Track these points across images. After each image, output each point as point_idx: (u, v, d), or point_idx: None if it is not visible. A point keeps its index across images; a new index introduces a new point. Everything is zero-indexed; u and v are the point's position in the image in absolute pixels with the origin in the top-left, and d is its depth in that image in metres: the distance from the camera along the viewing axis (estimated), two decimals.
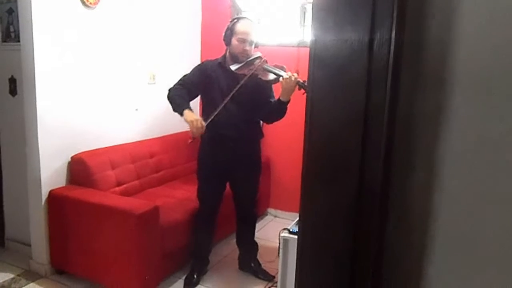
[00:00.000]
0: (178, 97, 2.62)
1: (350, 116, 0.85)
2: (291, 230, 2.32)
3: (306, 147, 0.91)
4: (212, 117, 2.52)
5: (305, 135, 0.91)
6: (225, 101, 2.54)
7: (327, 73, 0.88)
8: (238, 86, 2.52)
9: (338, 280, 0.91)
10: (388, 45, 0.80)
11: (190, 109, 2.56)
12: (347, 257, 0.89)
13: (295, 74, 2.45)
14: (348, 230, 0.88)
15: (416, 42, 0.82)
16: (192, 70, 2.75)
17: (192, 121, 2.48)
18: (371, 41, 0.81)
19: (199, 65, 2.83)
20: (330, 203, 0.90)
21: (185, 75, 2.72)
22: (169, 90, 2.67)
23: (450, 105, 0.80)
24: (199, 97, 2.86)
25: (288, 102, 2.52)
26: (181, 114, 2.55)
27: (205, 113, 2.70)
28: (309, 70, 0.89)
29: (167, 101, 2.65)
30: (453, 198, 0.82)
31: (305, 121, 0.90)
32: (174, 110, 2.62)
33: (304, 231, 0.96)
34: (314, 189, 0.92)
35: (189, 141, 2.55)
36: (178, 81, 2.70)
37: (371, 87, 0.81)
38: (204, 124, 2.50)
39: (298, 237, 0.97)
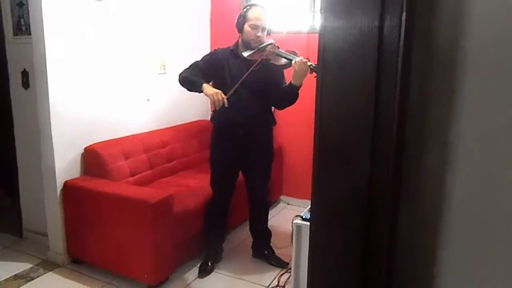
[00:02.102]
0: (193, 76, 2.61)
1: (361, 101, 0.84)
2: (304, 217, 2.32)
3: (316, 132, 0.90)
4: (233, 90, 2.50)
5: (315, 120, 0.90)
6: (241, 79, 2.51)
7: (337, 58, 0.86)
8: (249, 70, 2.50)
9: (351, 266, 0.91)
10: (399, 28, 0.78)
11: (207, 83, 2.55)
12: (359, 242, 0.89)
13: (307, 60, 2.43)
14: (360, 215, 0.88)
15: (427, 25, 0.81)
16: (203, 57, 2.74)
17: (212, 94, 2.47)
18: (381, 24, 0.79)
19: (210, 53, 2.82)
20: (342, 187, 0.89)
21: (195, 62, 2.71)
22: (180, 74, 2.67)
23: (462, 90, 0.78)
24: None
25: (299, 87, 2.50)
26: (200, 90, 2.54)
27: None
28: (318, 55, 0.88)
29: (180, 86, 2.65)
30: (466, 180, 0.81)
31: (315, 106, 0.90)
32: (191, 88, 2.62)
33: (316, 217, 0.96)
34: (326, 174, 0.91)
35: (211, 114, 2.52)
36: (187, 67, 2.69)
37: (382, 71, 0.80)
38: (225, 96, 2.48)
39: (310, 221, 0.97)
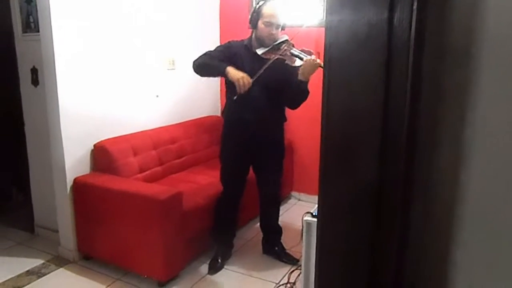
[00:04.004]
0: (212, 60, 2.56)
1: (369, 96, 0.80)
2: (314, 213, 2.29)
3: (323, 129, 0.87)
4: (257, 76, 2.46)
5: (322, 116, 0.87)
6: (261, 70, 2.46)
7: (343, 52, 0.83)
8: (262, 70, 2.46)
9: (359, 267, 0.88)
10: (410, 20, 0.74)
11: (231, 66, 2.50)
12: (367, 243, 0.86)
13: (319, 60, 2.41)
14: (368, 215, 0.84)
15: (441, 17, 0.77)
16: (217, 48, 2.70)
17: (239, 79, 2.42)
18: (390, 15, 0.75)
19: (224, 44, 2.76)
20: (349, 187, 0.86)
21: (209, 51, 2.65)
22: (195, 61, 2.62)
23: (478, 85, 0.74)
24: (219, 79, 2.81)
25: (306, 82, 2.47)
26: (223, 73, 2.49)
27: (228, 94, 2.67)
28: (325, 50, 0.84)
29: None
30: (481, 180, 0.77)
31: (322, 102, 0.86)
32: (210, 73, 2.60)
33: (323, 217, 0.93)
34: (332, 173, 0.88)
35: (235, 97, 2.49)
36: (202, 54, 2.63)
37: (392, 65, 0.76)
38: (251, 80, 2.44)
39: (317, 221, 0.94)
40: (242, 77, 2.42)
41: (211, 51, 2.66)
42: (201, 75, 2.65)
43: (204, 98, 3.95)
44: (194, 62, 2.63)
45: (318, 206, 0.92)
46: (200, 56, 2.62)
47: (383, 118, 0.79)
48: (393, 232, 0.83)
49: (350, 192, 0.86)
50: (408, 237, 0.85)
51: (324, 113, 0.87)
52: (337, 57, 0.83)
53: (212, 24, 4.12)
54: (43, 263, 2.90)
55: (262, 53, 2.53)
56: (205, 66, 2.59)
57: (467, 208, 0.79)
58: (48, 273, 2.79)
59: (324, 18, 3.58)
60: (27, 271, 2.80)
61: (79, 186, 2.82)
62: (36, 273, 2.77)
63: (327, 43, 0.84)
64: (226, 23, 4.11)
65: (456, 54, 0.77)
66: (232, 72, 2.46)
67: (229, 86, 2.66)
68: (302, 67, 2.42)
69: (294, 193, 4.12)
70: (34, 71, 3.01)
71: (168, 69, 3.59)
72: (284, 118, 2.84)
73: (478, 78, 0.75)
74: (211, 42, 3.96)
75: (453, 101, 0.77)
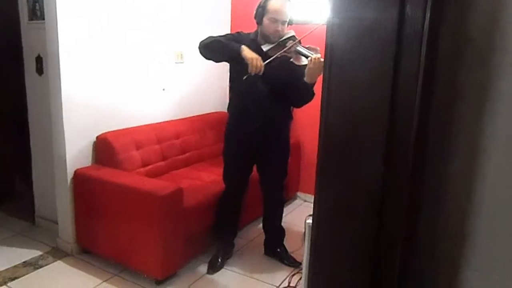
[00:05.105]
0: (224, 39, 2.46)
1: (376, 94, 0.72)
2: None
3: (322, 125, 0.79)
4: (270, 59, 2.36)
5: (321, 113, 0.79)
6: (273, 57, 2.38)
7: (346, 50, 0.75)
8: (275, 55, 2.37)
9: (359, 275, 0.80)
10: (423, 10, 0.66)
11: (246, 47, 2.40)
12: (367, 256, 0.78)
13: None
14: (369, 222, 0.76)
15: (457, 13, 0.68)
16: (226, 34, 2.60)
17: (252, 59, 2.33)
18: (401, 9, 0.67)
19: (234, 33, 2.67)
20: (349, 189, 0.78)
21: (217, 36, 2.54)
22: (202, 41, 2.51)
23: (497, 85, 0.66)
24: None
25: (313, 84, 2.38)
26: (237, 51, 2.38)
27: (233, 86, 2.60)
28: (326, 43, 0.77)
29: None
30: (498, 189, 0.68)
31: (322, 99, 0.79)
32: (222, 52, 2.46)
33: (318, 223, 0.85)
34: (332, 174, 0.80)
35: (245, 77, 2.39)
36: (210, 36, 2.52)
37: (401, 61, 0.68)
38: (263, 63, 2.35)
39: (312, 225, 0.86)
40: (257, 58, 2.33)
41: (220, 36, 2.55)
42: (207, 56, 2.53)
43: (211, 93, 3.88)
44: (201, 42, 2.51)
45: (313, 210, 0.84)
46: (210, 36, 2.51)
47: (390, 118, 0.71)
48: (397, 241, 0.75)
49: (349, 197, 0.78)
50: (414, 248, 0.77)
51: (324, 112, 0.79)
52: (339, 54, 0.75)
53: (223, 16, 4.04)
54: (41, 255, 2.85)
55: (268, 50, 2.44)
56: (217, 44, 2.46)
57: (482, 221, 0.71)
58: (45, 265, 2.74)
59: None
60: (24, 262, 2.76)
61: (79, 178, 2.77)
62: (33, 265, 2.73)
63: (329, 36, 0.76)
64: (237, 16, 4.02)
65: (473, 52, 0.68)
66: (247, 51, 2.37)
67: (233, 78, 2.60)
68: (307, 67, 2.32)
69: (300, 194, 4.03)
70: (39, 60, 2.97)
71: (176, 62, 3.52)
72: (290, 117, 2.76)
73: (498, 77, 0.66)
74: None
75: (469, 102, 0.69)
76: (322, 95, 0.78)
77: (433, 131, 0.71)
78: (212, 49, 2.49)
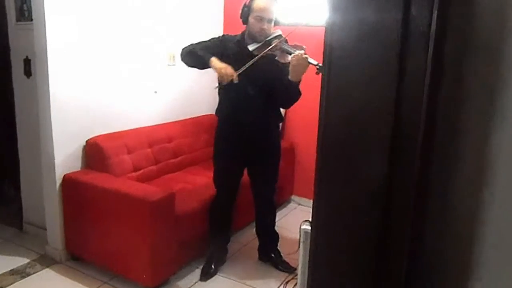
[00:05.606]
0: (200, 50, 2.45)
1: (379, 97, 0.68)
2: None
3: (321, 129, 0.75)
4: (244, 68, 2.31)
5: (320, 114, 0.76)
6: (251, 61, 2.32)
7: (348, 45, 0.70)
8: (247, 64, 2.31)
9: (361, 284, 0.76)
10: (429, 16, 0.61)
11: (216, 57, 2.38)
12: (371, 263, 0.74)
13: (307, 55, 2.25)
14: (373, 227, 0.72)
15: (465, 12, 0.64)
16: (211, 39, 2.58)
17: (221, 68, 2.31)
18: (406, 7, 0.62)
19: (219, 37, 2.64)
20: (352, 194, 0.73)
21: (201, 41, 2.53)
22: (184, 48, 2.51)
23: (508, 84, 0.62)
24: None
25: (297, 83, 2.33)
26: (207, 64, 2.37)
27: (220, 89, 2.55)
28: (325, 42, 0.72)
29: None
30: (506, 190, 0.64)
31: (320, 100, 0.75)
32: (196, 63, 2.47)
33: (317, 229, 0.81)
34: (331, 174, 0.76)
35: (216, 87, 2.37)
36: (194, 43, 2.51)
37: (406, 60, 0.63)
38: (234, 72, 2.30)
39: (311, 232, 0.81)
40: (225, 67, 2.31)
41: (205, 41, 2.54)
42: (187, 65, 2.53)
43: (204, 96, 3.82)
44: (183, 49, 2.51)
45: (312, 214, 0.80)
46: (191, 44, 2.51)
47: (395, 120, 0.66)
48: (402, 248, 0.71)
49: (352, 200, 0.74)
50: (421, 252, 0.73)
51: (322, 112, 0.76)
52: (340, 54, 0.71)
53: (216, 18, 3.99)
54: (29, 262, 2.78)
55: (254, 49, 2.40)
56: (192, 54, 2.47)
57: (489, 230, 0.67)
58: (33, 273, 2.67)
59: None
60: (11, 270, 2.68)
61: (69, 183, 2.70)
62: (20, 273, 2.66)
63: (328, 34, 0.72)
64: (230, 17, 3.97)
65: (482, 52, 0.64)
66: (215, 61, 2.35)
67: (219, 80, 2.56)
68: (290, 64, 2.28)
69: (294, 197, 3.98)
70: (27, 62, 2.89)
71: (169, 65, 3.46)
72: (280, 119, 2.71)
73: (509, 79, 0.62)
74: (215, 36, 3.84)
75: (479, 103, 0.65)
76: (321, 96, 0.74)
77: (440, 133, 0.67)
78: (188, 60, 2.50)
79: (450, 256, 0.72)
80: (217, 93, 2.63)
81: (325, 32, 0.71)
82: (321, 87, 0.74)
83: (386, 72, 0.64)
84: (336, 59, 0.71)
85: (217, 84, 2.37)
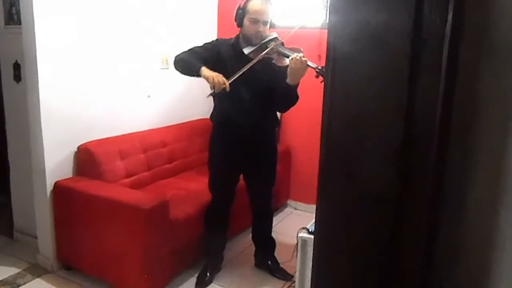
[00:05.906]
0: (192, 58, 2.39)
1: (388, 105, 0.64)
2: (310, 229, 2.11)
3: (325, 132, 0.72)
4: (235, 76, 2.27)
5: (323, 117, 0.71)
6: (244, 68, 2.27)
7: (354, 47, 0.65)
8: (241, 71, 2.27)
9: None
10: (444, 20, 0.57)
11: (206, 67, 2.32)
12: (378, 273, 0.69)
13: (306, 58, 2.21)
14: (382, 231, 0.67)
15: (481, 18, 0.59)
16: (204, 44, 2.51)
17: (212, 77, 2.24)
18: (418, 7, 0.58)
19: (212, 41, 2.58)
20: (355, 199, 0.70)
21: (195, 47, 2.48)
22: (176, 56, 2.45)
23: None
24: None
25: (295, 86, 2.29)
26: (198, 73, 2.31)
27: (215, 97, 2.49)
28: (327, 50, 0.68)
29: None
30: None
31: (324, 103, 0.71)
32: (187, 71, 2.40)
33: (322, 230, 0.77)
34: (334, 182, 0.73)
35: (208, 95, 2.32)
36: (186, 50, 2.46)
37: (419, 63, 0.58)
38: (226, 80, 2.24)
39: (314, 239, 0.79)
40: (217, 76, 2.25)
41: (197, 47, 2.48)
42: (181, 73, 2.46)
43: (198, 100, 3.74)
44: (176, 57, 2.45)
45: (315, 222, 0.78)
46: (183, 52, 2.45)
47: (405, 127, 0.62)
48: (412, 259, 0.67)
49: (358, 209, 0.70)
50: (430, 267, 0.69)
51: (325, 115, 0.71)
52: (345, 55, 0.66)
53: (210, 21, 3.95)
54: (19, 272, 2.70)
55: (249, 53, 2.35)
56: (184, 62, 2.41)
57: (505, 256, 0.62)
58: (24, 283, 2.60)
59: (327, 20, 3.44)
60: (1, 280, 2.61)
61: (60, 190, 2.63)
62: (10, 284, 2.58)
63: (331, 34, 0.67)
64: (224, 20, 3.93)
65: (499, 60, 0.60)
66: (205, 71, 2.29)
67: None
68: (289, 67, 2.23)
69: (290, 202, 3.93)
70: (16, 66, 2.83)
71: (162, 68, 3.40)
72: (276, 123, 2.67)
73: None
74: (209, 40, 3.78)
75: (496, 109, 0.60)
76: (324, 99, 0.70)
77: (454, 136, 0.63)
78: (180, 67, 2.43)
79: (464, 263, 0.68)
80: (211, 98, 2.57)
81: (329, 33, 0.67)
82: (324, 90, 0.70)
83: (397, 76, 0.60)
84: (341, 62, 0.67)
85: (209, 92, 2.30)
